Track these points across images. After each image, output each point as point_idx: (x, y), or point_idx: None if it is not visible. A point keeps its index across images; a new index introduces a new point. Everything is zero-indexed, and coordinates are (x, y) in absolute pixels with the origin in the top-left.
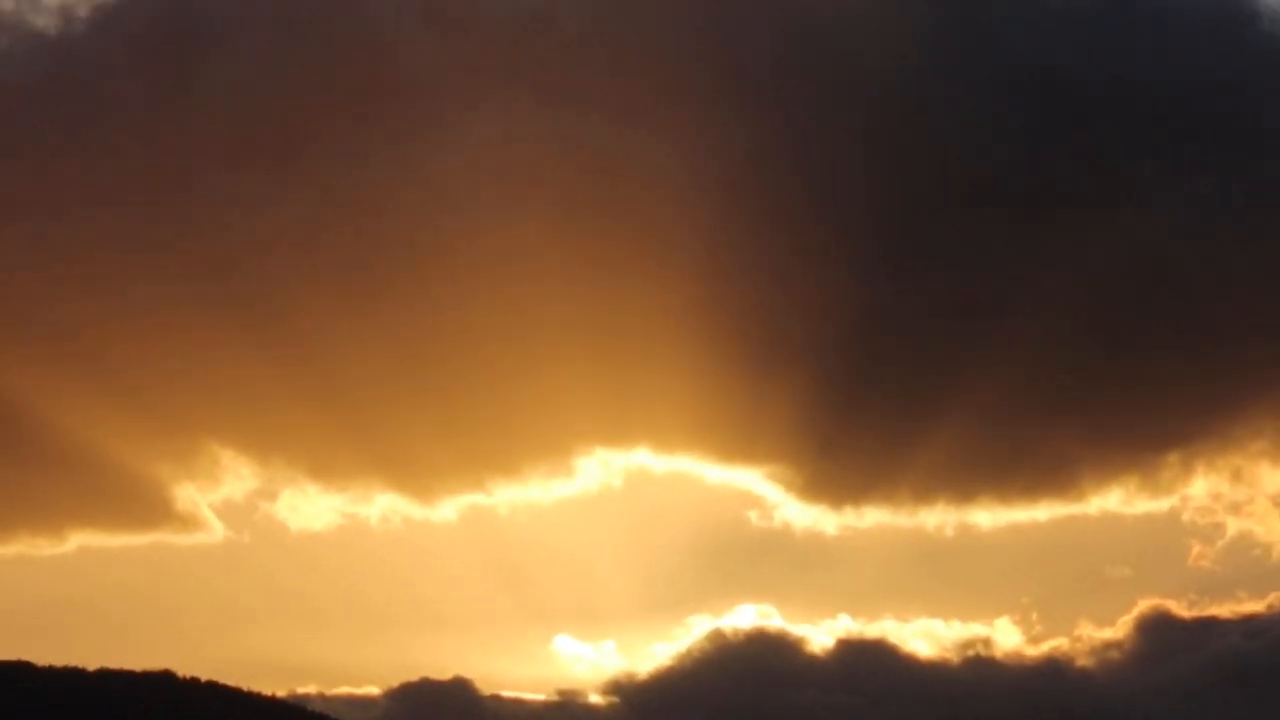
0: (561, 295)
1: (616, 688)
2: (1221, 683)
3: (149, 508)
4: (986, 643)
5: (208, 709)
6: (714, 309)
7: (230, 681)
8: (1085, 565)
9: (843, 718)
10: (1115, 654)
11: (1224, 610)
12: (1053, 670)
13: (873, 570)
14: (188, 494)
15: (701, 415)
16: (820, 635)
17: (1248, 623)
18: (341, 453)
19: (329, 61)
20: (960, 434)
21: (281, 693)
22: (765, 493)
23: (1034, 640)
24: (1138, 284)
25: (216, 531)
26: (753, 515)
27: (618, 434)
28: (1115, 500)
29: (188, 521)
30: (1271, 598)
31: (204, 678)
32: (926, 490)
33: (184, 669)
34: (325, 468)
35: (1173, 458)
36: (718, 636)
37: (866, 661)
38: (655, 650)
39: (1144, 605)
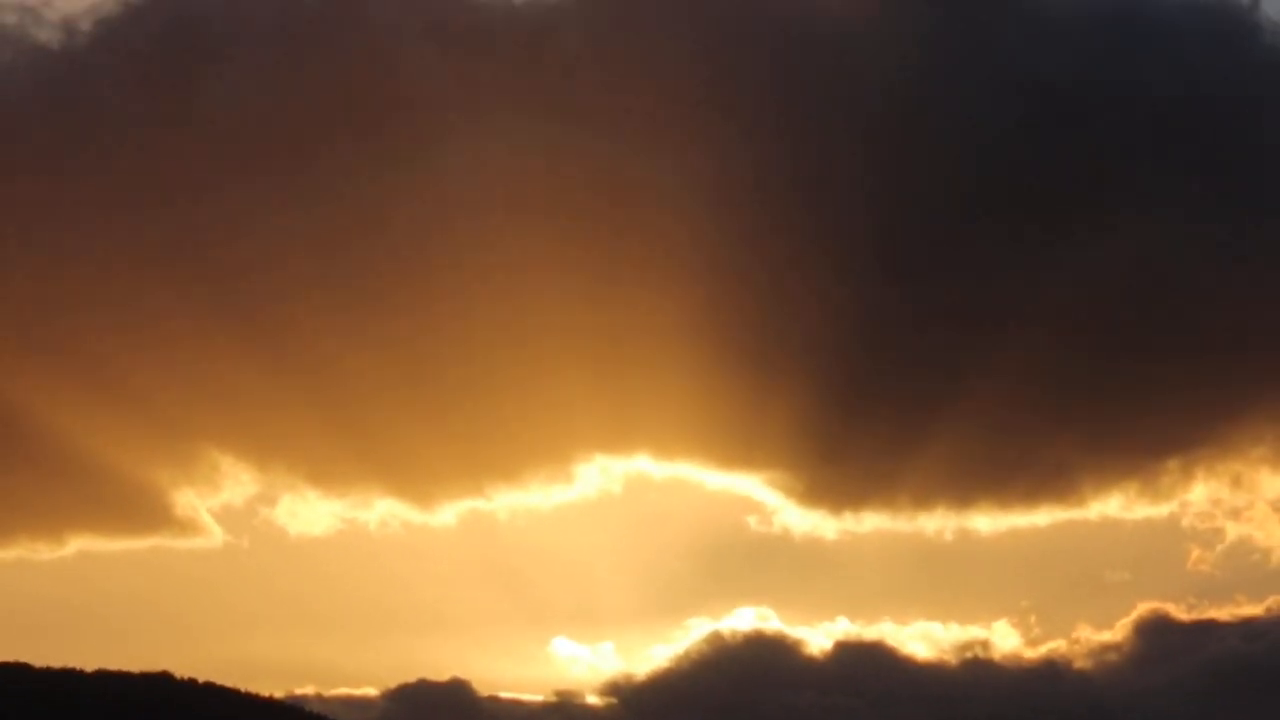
0: (562, 303)
1: (614, 689)
2: (1220, 685)
3: (148, 513)
4: (985, 645)
5: (205, 709)
6: (714, 316)
7: (228, 683)
8: (1084, 569)
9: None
10: (1114, 656)
11: (1223, 613)
12: (1051, 672)
13: (871, 574)
14: (187, 499)
15: (701, 422)
16: (818, 637)
17: (1246, 626)
18: (341, 458)
19: (331, 76)
20: (960, 440)
21: (279, 694)
22: (765, 499)
23: (1032, 643)
24: (1138, 291)
25: (216, 537)
26: (752, 520)
27: (618, 441)
28: (1115, 506)
29: (187, 526)
30: (1270, 601)
31: (201, 679)
32: (926, 496)
33: (182, 671)
34: (325, 473)
35: (1173, 463)
36: (716, 638)
37: (864, 663)
38: (653, 652)
39: (1143, 608)
